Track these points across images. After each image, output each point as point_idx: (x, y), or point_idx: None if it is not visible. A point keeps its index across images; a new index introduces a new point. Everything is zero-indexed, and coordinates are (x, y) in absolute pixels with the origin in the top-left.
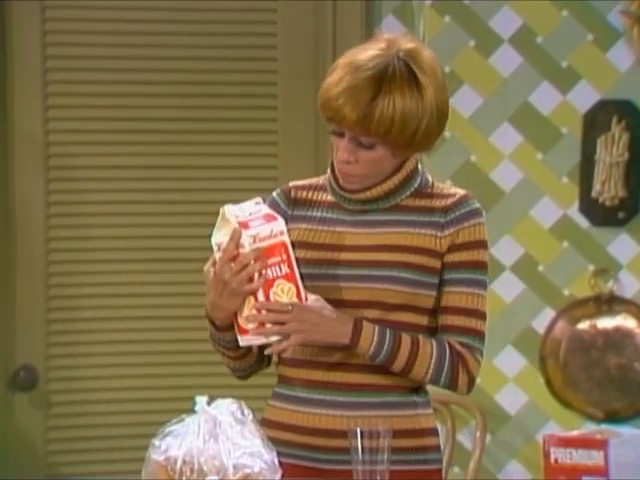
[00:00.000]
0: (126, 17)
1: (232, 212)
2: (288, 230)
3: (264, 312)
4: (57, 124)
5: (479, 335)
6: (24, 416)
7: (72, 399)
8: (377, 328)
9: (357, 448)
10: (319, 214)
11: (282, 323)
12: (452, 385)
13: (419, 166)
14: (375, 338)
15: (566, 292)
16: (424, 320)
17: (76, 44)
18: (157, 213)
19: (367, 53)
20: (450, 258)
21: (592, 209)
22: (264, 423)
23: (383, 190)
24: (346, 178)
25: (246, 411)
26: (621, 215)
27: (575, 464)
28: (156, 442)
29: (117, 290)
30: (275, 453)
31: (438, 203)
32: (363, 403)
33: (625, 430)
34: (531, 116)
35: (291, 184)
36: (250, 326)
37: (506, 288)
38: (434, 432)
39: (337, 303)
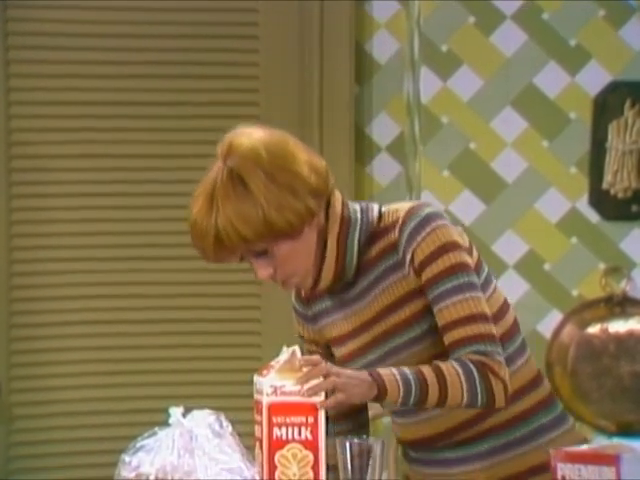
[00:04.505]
0: None
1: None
2: (310, 329)
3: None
4: (20, 109)
5: (487, 338)
6: None
7: (36, 412)
8: (395, 369)
9: (347, 464)
10: (324, 305)
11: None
12: (490, 399)
13: (356, 207)
14: (399, 379)
15: (575, 293)
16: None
17: (40, 20)
18: (127, 207)
19: (196, 204)
20: (424, 278)
21: (603, 202)
22: None
23: (336, 271)
24: (289, 287)
25: (224, 423)
26: (635, 208)
27: None
28: (126, 458)
29: (83, 291)
30: (256, 469)
31: (393, 237)
32: (489, 451)
33: (639, 445)
34: (536, 100)
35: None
36: None
37: (509, 288)
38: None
39: None
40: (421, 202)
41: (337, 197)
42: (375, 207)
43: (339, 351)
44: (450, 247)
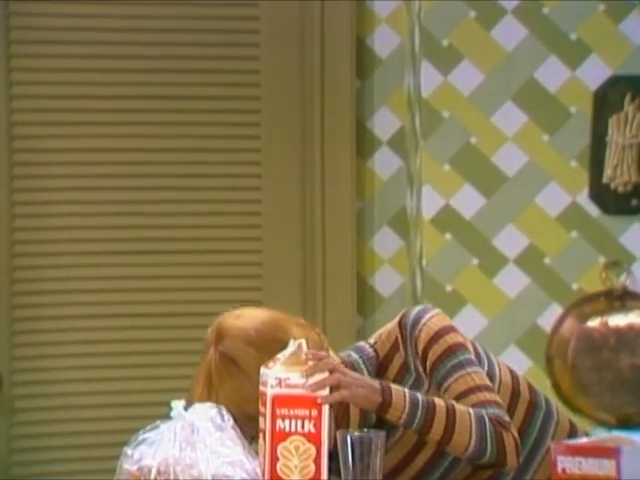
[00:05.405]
0: None
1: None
2: None
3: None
4: (22, 102)
5: (493, 403)
6: None
7: (38, 405)
8: (407, 389)
9: (347, 457)
10: None
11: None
12: (501, 452)
13: (348, 352)
14: (407, 397)
15: (575, 287)
16: None
17: (42, 14)
18: (130, 201)
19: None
20: (427, 367)
21: (603, 196)
22: None
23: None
24: None
25: (226, 416)
26: (635, 202)
27: (584, 474)
28: (129, 451)
29: (86, 285)
30: (258, 462)
31: (400, 359)
32: None
33: (639, 437)
34: (537, 94)
35: None
36: None
37: (509, 282)
38: None
39: None
40: (402, 312)
41: (332, 352)
42: (362, 343)
43: None
44: (444, 331)
